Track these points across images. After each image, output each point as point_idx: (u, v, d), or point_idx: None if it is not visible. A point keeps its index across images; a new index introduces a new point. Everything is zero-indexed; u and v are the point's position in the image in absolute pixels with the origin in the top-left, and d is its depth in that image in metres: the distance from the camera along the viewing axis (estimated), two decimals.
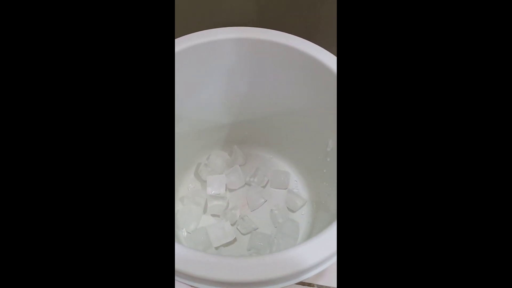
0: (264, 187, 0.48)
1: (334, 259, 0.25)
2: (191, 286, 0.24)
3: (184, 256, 0.23)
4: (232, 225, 0.44)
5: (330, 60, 0.35)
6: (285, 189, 0.47)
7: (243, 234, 0.44)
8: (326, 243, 0.24)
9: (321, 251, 0.23)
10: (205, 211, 0.45)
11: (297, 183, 0.48)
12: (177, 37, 0.36)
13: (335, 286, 0.40)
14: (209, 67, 0.39)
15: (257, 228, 0.44)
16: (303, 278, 0.23)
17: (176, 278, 0.24)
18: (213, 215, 0.45)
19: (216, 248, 0.42)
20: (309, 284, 0.40)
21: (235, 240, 0.43)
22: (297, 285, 0.35)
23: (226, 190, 0.47)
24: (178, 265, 0.23)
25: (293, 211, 0.45)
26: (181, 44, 0.35)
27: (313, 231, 0.43)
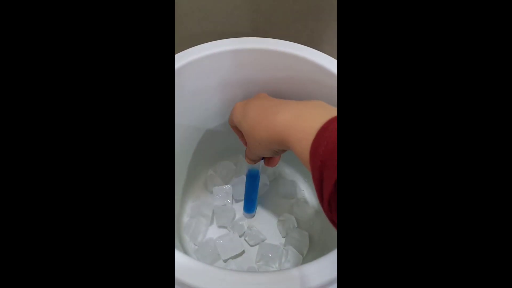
0: (271, 181, 0.48)
1: None
2: None
3: (192, 268, 0.23)
4: (240, 236, 0.44)
5: (330, 64, 0.35)
6: (293, 198, 0.47)
7: (251, 246, 0.43)
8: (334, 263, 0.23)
9: (329, 271, 0.23)
10: (212, 223, 0.45)
11: (304, 192, 0.47)
12: (177, 52, 0.36)
13: None
14: (212, 79, 0.39)
15: (265, 239, 0.43)
16: None
17: None
18: (220, 227, 0.45)
19: (225, 260, 0.42)
20: None
21: (243, 252, 0.42)
22: None
23: (232, 200, 0.47)
24: (185, 277, 0.23)
25: (301, 221, 0.45)
26: (181, 60, 0.35)
27: (322, 242, 0.42)
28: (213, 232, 0.44)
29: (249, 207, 0.44)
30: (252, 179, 0.41)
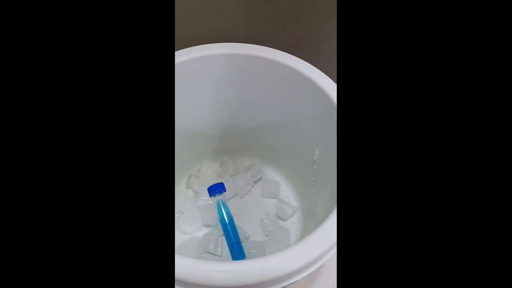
0: (255, 182, 0.49)
1: (319, 263, 0.25)
2: None
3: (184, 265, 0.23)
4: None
5: (313, 73, 0.36)
6: (276, 198, 0.48)
7: None
8: (311, 247, 0.24)
9: (305, 255, 0.24)
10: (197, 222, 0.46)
11: (287, 192, 0.49)
12: None
13: None
14: (200, 80, 0.40)
15: (249, 237, 0.45)
16: (289, 282, 0.24)
17: None
18: (205, 225, 0.46)
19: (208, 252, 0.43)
20: None
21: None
22: None
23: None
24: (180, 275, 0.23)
25: (284, 220, 0.46)
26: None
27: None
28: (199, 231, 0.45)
29: (236, 253, 0.42)
30: (224, 225, 0.43)
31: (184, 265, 0.23)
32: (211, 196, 0.45)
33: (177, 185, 0.49)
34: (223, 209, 0.44)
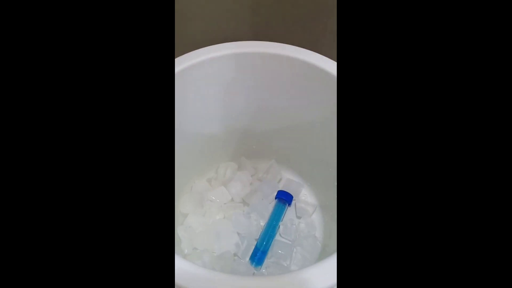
0: (278, 182, 0.49)
1: None
2: None
3: (189, 272, 0.23)
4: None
5: (332, 67, 0.35)
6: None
7: None
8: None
9: (332, 274, 0.24)
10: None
11: (307, 196, 0.48)
12: (177, 56, 0.37)
13: None
14: (212, 82, 0.39)
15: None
16: None
17: None
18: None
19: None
20: None
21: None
22: None
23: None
24: (183, 281, 0.23)
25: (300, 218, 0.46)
26: (182, 63, 0.36)
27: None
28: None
29: (255, 255, 0.41)
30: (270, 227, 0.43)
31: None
32: (276, 198, 0.45)
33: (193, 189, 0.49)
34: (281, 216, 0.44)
